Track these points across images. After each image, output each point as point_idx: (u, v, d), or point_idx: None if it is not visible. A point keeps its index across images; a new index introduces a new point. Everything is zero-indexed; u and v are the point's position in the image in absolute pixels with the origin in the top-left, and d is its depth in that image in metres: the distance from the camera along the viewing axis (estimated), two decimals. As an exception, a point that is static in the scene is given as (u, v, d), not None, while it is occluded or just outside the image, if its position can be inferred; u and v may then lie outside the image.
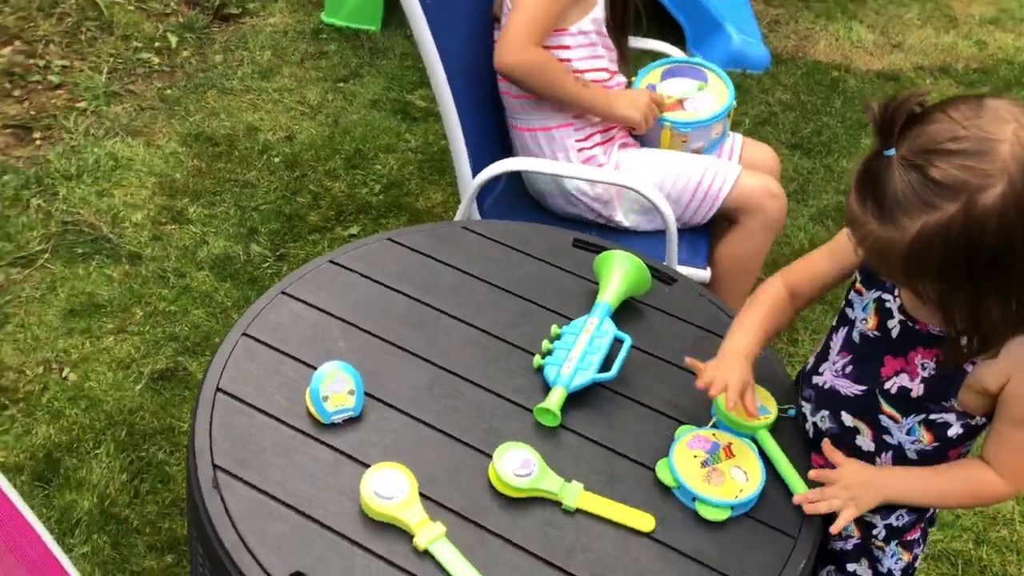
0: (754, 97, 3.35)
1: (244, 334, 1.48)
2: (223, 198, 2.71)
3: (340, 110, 3.09)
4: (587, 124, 2.06)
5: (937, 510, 1.48)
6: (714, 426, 1.39)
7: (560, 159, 2.06)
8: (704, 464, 1.34)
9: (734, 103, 2.11)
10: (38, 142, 2.86)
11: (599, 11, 2.03)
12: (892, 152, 1.09)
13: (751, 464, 1.34)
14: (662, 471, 1.35)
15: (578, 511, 1.30)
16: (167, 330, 2.30)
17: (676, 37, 3.54)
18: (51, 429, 2.04)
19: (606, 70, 2.07)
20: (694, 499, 1.30)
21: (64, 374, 2.17)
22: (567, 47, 1.99)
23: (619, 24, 2.07)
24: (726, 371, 1.37)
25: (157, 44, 3.31)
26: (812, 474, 1.35)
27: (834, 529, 1.30)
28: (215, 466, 1.28)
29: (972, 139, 1.06)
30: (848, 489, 1.31)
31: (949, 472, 1.31)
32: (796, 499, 1.32)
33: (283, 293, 1.56)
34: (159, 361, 2.22)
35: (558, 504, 1.30)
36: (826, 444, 1.38)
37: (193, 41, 3.36)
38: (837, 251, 1.41)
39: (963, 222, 1.05)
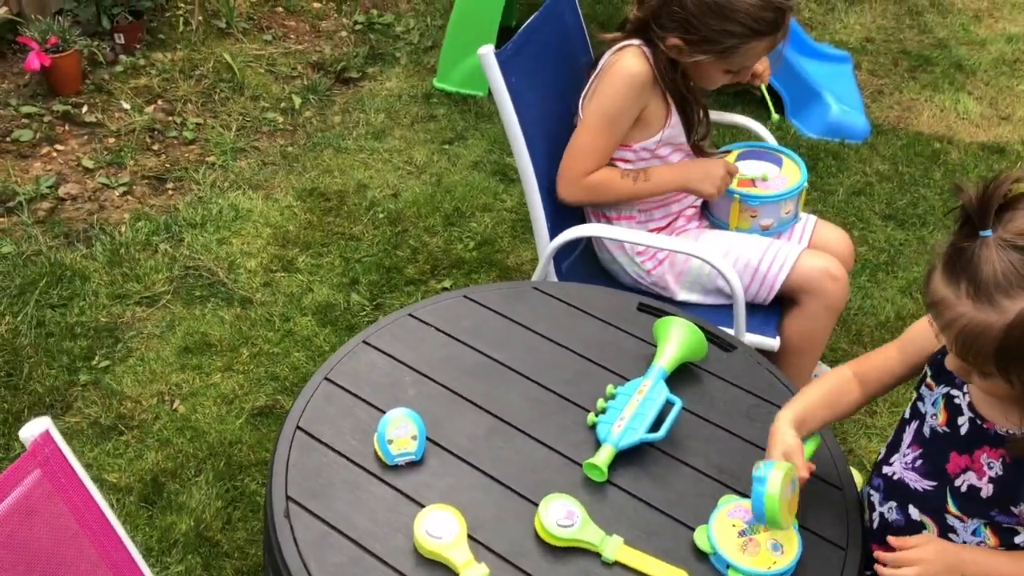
0: (851, 167, 3.36)
1: (326, 378, 1.63)
2: (330, 249, 2.91)
3: (444, 170, 3.28)
4: (650, 220, 2.15)
5: None
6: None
7: (619, 250, 2.16)
8: (742, 534, 1.39)
9: (806, 184, 2.16)
10: (170, 192, 3.14)
11: (669, 132, 2.07)
12: (989, 233, 1.10)
13: (788, 538, 1.38)
14: (700, 537, 1.40)
15: (616, 563, 1.37)
16: (269, 370, 2.49)
17: (777, 106, 3.60)
18: (159, 456, 2.24)
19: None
20: (728, 566, 1.36)
21: (175, 406, 2.39)
22: (628, 160, 2.09)
23: (688, 136, 2.12)
24: (771, 443, 1.42)
25: (283, 105, 3.60)
26: (894, 541, 1.32)
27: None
28: (288, 497, 1.42)
29: None
30: (925, 563, 1.29)
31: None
32: (879, 555, 1.32)
33: (364, 342, 1.71)
34: (259, 398, 2.41)
35: (598, 555, 1.38)
36: (894, 540, 1.35)
37: (315, 103, 3.63)
38: (907, 345, 1.44)
39: None
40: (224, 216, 3.02)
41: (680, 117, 2.07)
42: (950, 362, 1.21)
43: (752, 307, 2.12)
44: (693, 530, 1.42)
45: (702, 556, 1.38)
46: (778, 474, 1.31)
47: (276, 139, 3.44)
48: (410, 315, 1.77)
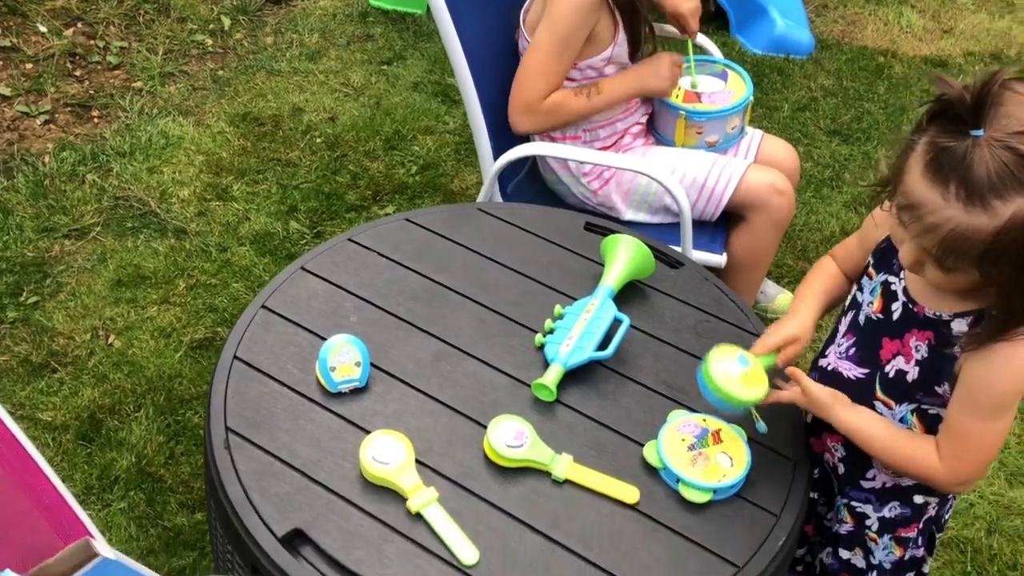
0: (796, 83, 3.34)
1: (263, 306, 1.57)
2: (266, 176, 2.81)
3: (383, 92, 3.18)
4: (595, 139, 2.10)
5: (946, 514, 1.49)
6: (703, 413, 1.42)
7: (564, 170, 2.11)
8: (691, 448, 1.38)
9: (751, 98, 2.13)
10: (96, 120, 3.00)
11: (617, 50, 2.01)
12: (981, 133, 1.06)
13: (738, 450, 1.38)
14: (649, 452, 1.40)
15: (566, 482, 1.36)
16: (207, 302, 2.42)
17: (721, 21, 3.55)
18: (96, 392, 2.17)
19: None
20: (678, 480, 1.35)
21: (110, 341, 2.31)
22: (573, 80, 2.03)
23: (633, 55, 2.07)
24: (778, 325, 1.42)
25: (212, 26, 3.43)
26: (789, 370, 1.35)
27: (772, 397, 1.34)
28: (228, 429, 1.38)
29: None
30: (809, 395, 1.33)
31: (901, 436, 1.31)
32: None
33: (302, 269, 1.65)
34: (198, 331, 2.34)
35: (548, 475, 1.36)
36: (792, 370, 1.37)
37: (246, 23, 3.47)
38: (866, 238, 1.44)
39: None
40: (154, 144, 2.89)
41: (627, 34, 2.01)
42: (907, 256, 1.19)
43: (699, 224, 2.10)
44: (643, 446, 1.41)
45: (652, 471, 1.38)
46: (714, 354, 1.33)
47: (206, 62, 3.29)
48: (350, 240, 1.71)
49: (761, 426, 1.40)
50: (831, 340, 1.44)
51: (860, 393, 1.36)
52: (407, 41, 3.40)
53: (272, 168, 2.84)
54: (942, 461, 1.28)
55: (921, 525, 1.44)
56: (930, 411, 1.32)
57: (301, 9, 3.55)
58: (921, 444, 1.30)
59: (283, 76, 3.22)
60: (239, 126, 2.99)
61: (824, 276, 1.50)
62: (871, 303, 1.35)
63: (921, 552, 1.48)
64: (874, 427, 1.33)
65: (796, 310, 1.45)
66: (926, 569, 1.52)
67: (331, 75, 3.24)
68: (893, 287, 1.32)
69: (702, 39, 2.38)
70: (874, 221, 1.40)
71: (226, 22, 3.45)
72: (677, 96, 2.12)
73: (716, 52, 2.37)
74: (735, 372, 1.33)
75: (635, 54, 2.06)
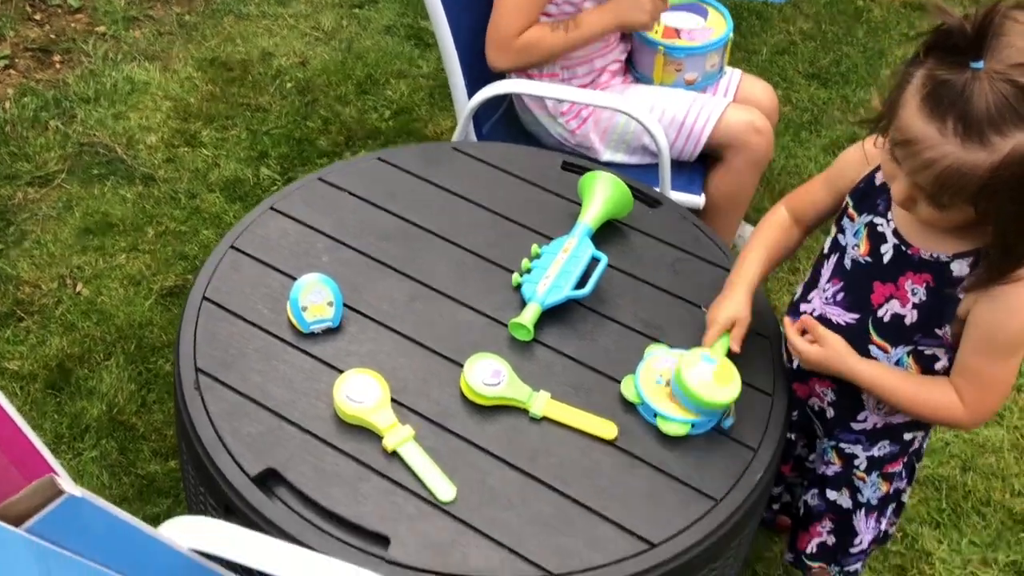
0: (774, 26, 3.29)
1: (232, 247, 1.53)
2: (235, 122, 2.75)
3: (354, 35, 3.10)
4: (573, 77, 2.05)
5: (925, 445, 1.49)
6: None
7: (541, 110, 2.07)
8: (668, 383, 1.37)
9: (731, 35, 2.09)
10: (58, 65, 2.91)
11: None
12: (981, 65, 1.02)
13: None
14: (626, 387, 1.38)
15: (544, 419, 1.34)
16: (177, 249, 2.37)
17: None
18: (64, 341, 2.13)
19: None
20: (655, 415, 1.34)
21: (78, 289, 2.26)
22: (549, 15, 1.96)
23: None
24: (717, 309, 1.40)
25: (177, -31, 3.33)
26: (803, 319, 1.34)
27: (795, 352, 1.33)
28: (197, 369, 1.35)
29: None
30: (828, 347, 1.31)
31: (922, 385, 1.30)
32: (788, 322, 1.36)
33: (272, 208, 1.61)
34: (169, 278, 2.29)
35: (525, 412, 1.35)
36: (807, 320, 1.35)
37: (212, -34, 3.36)
38: (833, 178, 1.41)
39: None
40: (119, 90, 2.81)
41: None
42: (900, 193, 1.16)
43: (677, 165, 2.07)
44: (620, 383, 1.39)
45: (630, 407, 1.37)
46: (683, 364, 1.32)
47: (172, 6, 3.19)
48: (320, 179, 1.67)
49: (728, 421, 1.36)
50: (812, 285, 1.41)
51: (853, 338, 1.33)
52: (379, -16, 3.31)
53: (241, 114, 2.78)
54: (965, 405, 1.27)
55: (906, 459, 1.44)
56: (926, 352, 1.30)
57: (269, -49, 3.45)
58: (943, 391, 1.28)
59: (252, 20, 3.14)
60: (207, 71, 2.91)
61: (770, 237, 1.46)
62: (856, 246, 1.32)
63: (904, 484, 1.49)
64: (894, 378, 1.30)
65: (732, 286, 1.42)
66: (905, 498, 1.53)
67: (301, 19, 3.16)
68: (880, 228, 1.29)
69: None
70: (847, 161, 1.38)
71: (192, -36, 3.34)
72: (656, 32, 2.08)
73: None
74: (707, 375, 1.31)
75: None
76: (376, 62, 2.98)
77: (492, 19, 1.94)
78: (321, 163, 2.65)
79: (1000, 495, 2.02)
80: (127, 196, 2.49)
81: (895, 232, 1.27)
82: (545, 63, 2.01)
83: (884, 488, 1.46)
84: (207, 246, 2.37)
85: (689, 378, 1.30)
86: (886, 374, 1.31)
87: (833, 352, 1.31)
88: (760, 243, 1.46)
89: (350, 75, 2.93)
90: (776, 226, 1.47)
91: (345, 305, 1.45)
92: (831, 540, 1.51)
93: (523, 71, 2.04)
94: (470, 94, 2.01)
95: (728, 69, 2.18)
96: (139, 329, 2.17)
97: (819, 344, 1.32)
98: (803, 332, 1.35)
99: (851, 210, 1.34)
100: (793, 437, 1.52)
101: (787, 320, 1.39)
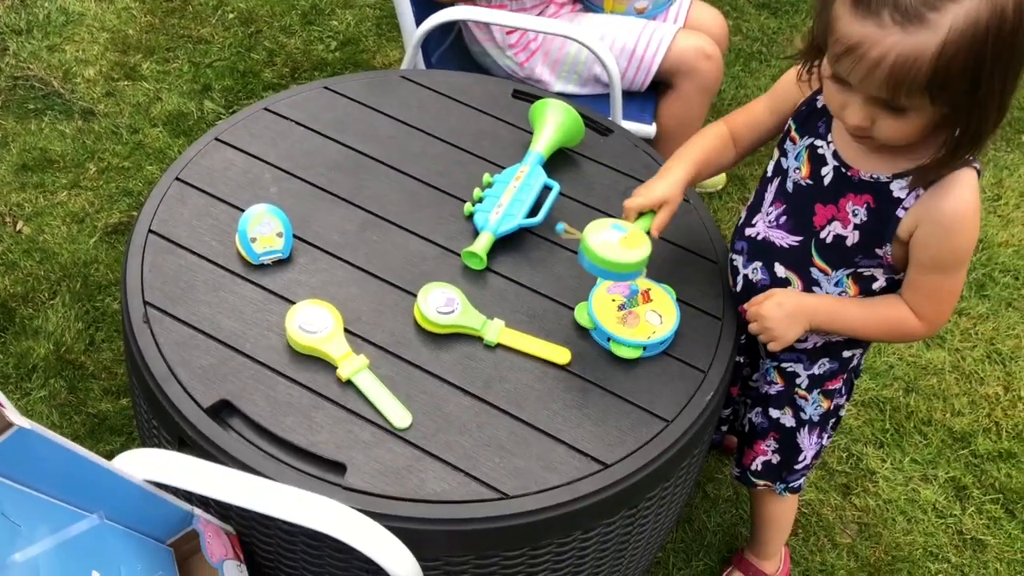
0: (725, -46, 3.26)
1: (177, 178, 1.50)
2: (176, 54, 2.67)
3: (298, -36, 3.01)
4: (521, 8, 2.01)
5: (862, 361, 1.53)
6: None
7: (490, 41, 2.03)
8: (621, 308, 1.38)
9: None
10: (-14, -4, 2.79)
11: None
12: None
13: (666, 308, 1.39)
14: (580, 313, 1.39)
15: (499, 346, 1.35)
16: (121, 185, 2.31)
17: None
18: (6, 280, 2.08)
19: None
20: (608, 339, 1.35)
21: (18, 227, 2.20)
22: None
23: None
24: (645, 188, 1.39)
25: None
26: (748, 305, 1.38)
27: (772, 347, 1.36)
28: (146, 303, 1.33)
29: None
30: (763, 319, 1.33)
31: (874, 308, 1.33)
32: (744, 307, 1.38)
33: (217, 139, 1.57)
34: (113, 215, 2.24)
35: (479, 340, 1.35)
36: (744, 306, 1.39)
37: None
38: (776, 99, 1.41)
39: (989, 6, 1.03)
40: (53, 21, 2.71)
41: None
42: (856, 116, 1.16)
43: (628, 95, 2.06)
44: (574, 310, 1.40)
45: (583, 333, 1.38)
46: (588, 229, 1.30)
47: (105, -67, 3.06)
48: (266, 109, 1.64)
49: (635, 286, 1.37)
50: (756, 208, 1.42)
51: (795, 260, 1.35)
52: (322, -90, 3.21)
53: (183, 46, 2.69)
54: (921, 319, 1.30)
55: (845, 375, 1.48)
56: (865, 273, 1.32)
57: None
58: (896, 309, 1.31)
59: (190, -52, 3.02)
60: (145, 1, 2.81)
61: (707, 142, 1.45)
62: (798, 168, 1.33)
63: (843, 400, 1.53)
64: (846, 311, 1.33)
65: (668, 170, 1.41)
66: (843, 413, 1.57)
67: (242, -54, 3.05)
68: (820, 151, 1.30)
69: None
70: (789, 83, 1.37)
71: None
72: (607, -39, 2.05)
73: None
74: (613, 239, 1.29)
75: None
76: (321, -9, 2.91)
77: None
78: (267, 96, 2.56)
79: (941, 415, 2.09)
80: (66, 131, 2.42)
81: (835, 154, 1.28)
82: None
83: (825, 405, 1.50)
84: (151, 182, 2.32)
85: (591, 241, 1.27)
86: (838, 309, 1.33)
87: (793, 315, 1.33)
88: (697, 145, 1.45)
89: (294, 5, 2.85)
90: (714, 135, 1.46)
91: (295, 236, 1.43)
92: (775, 459, 1.56)
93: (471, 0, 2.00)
94: (418, 22, 1.97)
95: (678, -6, 2.16)
96: (84, 267, 2.13)
97: (768, 301, 1.33)
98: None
99: (793, 133, 1.35)
100: (741, 359, 1.55)
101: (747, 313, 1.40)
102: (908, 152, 1.21)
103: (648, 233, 1.35)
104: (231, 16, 2.80)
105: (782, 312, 1.34)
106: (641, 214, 1.38)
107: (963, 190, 1.20)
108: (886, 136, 1.17)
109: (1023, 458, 2.02)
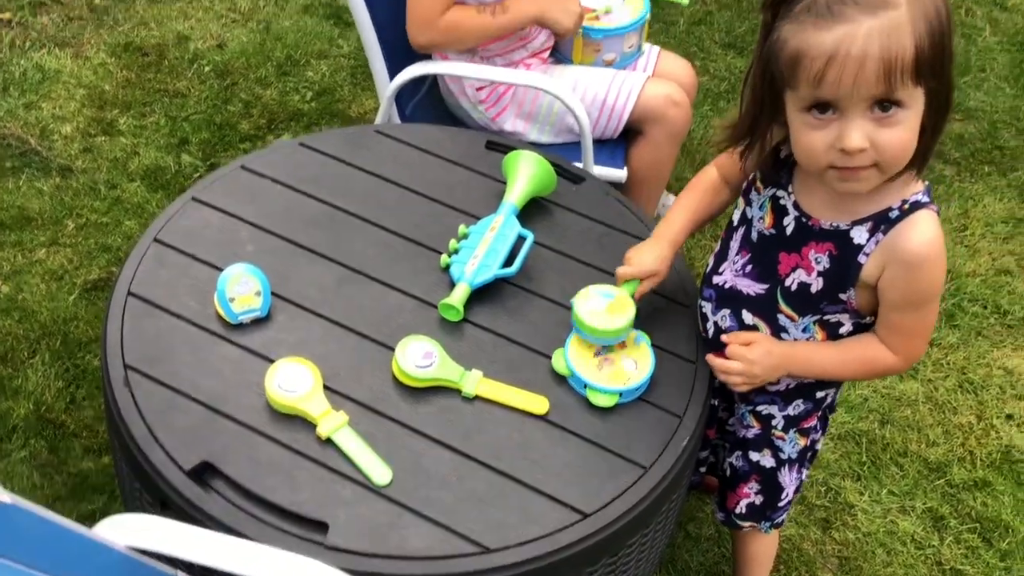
0: (691, -4, 3.33)
1: (155, 239, 1.52)
2: (153, 109, 2.69)
3: (272, 16, 3.06)
4: (488, 63, 2.05)
5: (836, 398, 1.56)
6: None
7: (462, 95, 2.07)
8: (597, 354, 1.41)
9: (648, 16, 2.12)
10: (-38, 55, 2.81)
11: None
12: None
13: (642, 354, 1.42)
14: (557, 361, 1.42)
15: (477, 398, 1.37)
16: (100, 241, 2.32)
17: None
18: (-15, 340, 2.08)
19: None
20: (585, 386, 1.38)
21: (-3, 287, 2.21)
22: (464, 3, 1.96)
23: None
24: (637, 253, 1.45)
25: (83, -49, 3.22)
26: (727, 337, 1.39)
27: (741, 389, 1.39)
28: (126, 366, 1.34)
29: None
30: (750, 363, 1.36)
31: (849, 349, 1.36)
32: (710, 359, 1.41)
33: (194, 199, 1.59)
34: (92, 271, 2.25)
35: (458, 392, 1.37)
36: (728, 336, 1.41)
37: (120, -53, 3.27)
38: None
39: None
40: (29, 78, 2.73)
41: None
42: (858, 137, 1.13)
43: (599, 141, 2.10)
44: (550, 358, 1.43)
45: (561, 380, 1.40)
46: (578, 298, 1.40)
47: (80, -10, 3.10)
48: (243, 167, 1.66)
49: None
50: (723, 257, 1.44)
51: (763, 307, 1.38)
52: (295, -38, 3.26)
53: (159, 100, 2.72)
54: (896, 355, 1.33)
55: (820, 413, 1.51)
56: (831, 320, 1.35)
57: (179, -70, 3.36)
58: (871, 348, 1.34)
59: (165, 3, 3.06)
60: (121, 57, 2.84)
61: (695, 197, 1.50)
62: (762, 218, 1.36)
63: (819, 435, 1.56)
64: (821, 355, 1.36)
65: (657, 238, 1.46)
66: (819, 447, 1.60)
67: (216, 0, 3.09)
68: (782, 201, 1.33)
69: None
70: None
71: (99, -54, 3.24)
72: (576, 14, 2.09)
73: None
74: (600, 307, 1.39)
75: None
76: (296, 43, 2.95)
77: (408, 4, 1.92)
78: (244, 147, 2.61)
79: (916, 446, 2.12)
80: (44, 189, 2.43)
81: (795, 205, 1.31)
82: (468, 45, 2.00)
83: (802, 442, 1.52)
84: (130, 237, 2.34)
85: (580, 309, 1.38)
86: (813, 354, 1.36)
87: (772, 362, 1.36)
88: (688, 202, 1.50)
89: (269, 56, 2.89)
90: (705, 187, 1.50)
91: (273, 294, 1.45)
92: (759, 500, 1.58)
93: (443, 53, 2.04)
94: (392, 73, 2.01)
95: (647, 46, 2.21)
96: (64, 324, 2.13)
97: (751, 347, 1.36)
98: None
99: (758, 183, 1.38)
100: (716, 402, 1.57)
101: (709, 357, 1.42)
102: (867, 199, 1.25)
103: (632, 296, 1.42)
104: (207, 69, 2.83)
105: (771, 361, 1.36)
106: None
107: (925, 227, 1.23)
108: (891, 150, 1.14)
109: (998, 487, 2.06)
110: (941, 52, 1.10)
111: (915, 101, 1.13)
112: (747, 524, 1.62)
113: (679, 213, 1.49)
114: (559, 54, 2.16)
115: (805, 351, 1.37)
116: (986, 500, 2.03)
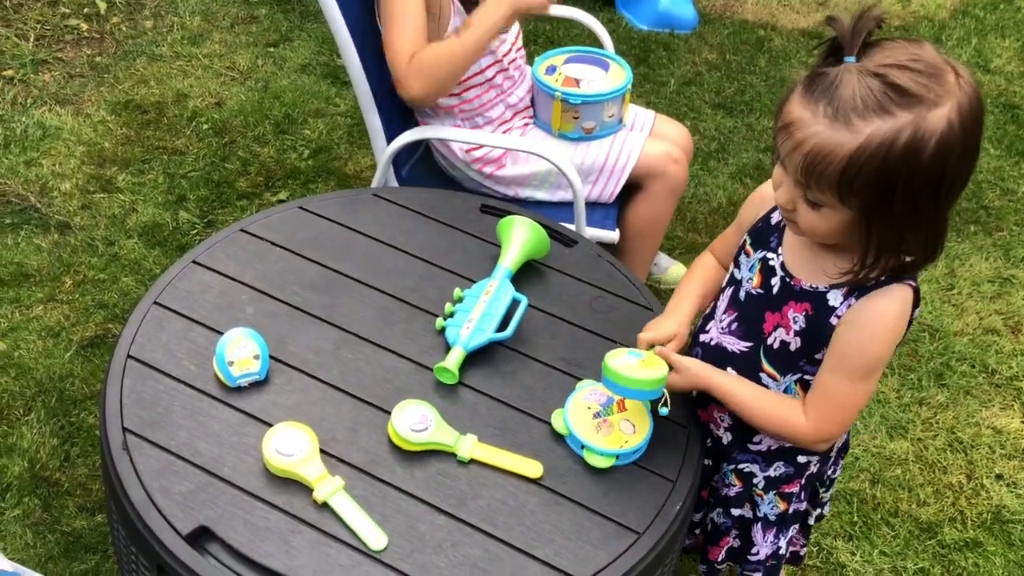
0: (681, 57, 3.41)
1: (155, 302, 1.54)
2: (152, 166, 2.73)
3: (270, 75, 3.12)
4: (474, 127, 2.09)
5: (831, 471, 1.57)
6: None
7: (454, 156, 2.12)
8: (596, 416, 1.43)
9: (629, 87, 2.14)
10: (-36, 112, 2.85)
11: (456, 21, 1.96)
12: (853, 59, 1.14)
13: (640, 418, 1.44)
14: (556, 420, 1.44)
15: (472, 462, 1.38)
16: (96, 298, 2.34)
17: (606, -2, 3.59)
18: (-19, 397, 2.09)
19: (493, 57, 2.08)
20: (582, 447, 1.40)
21: (-7, 343, 2.22)
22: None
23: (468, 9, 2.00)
24: (656, 323, 1.49)
25: (86, 10, 3.30)
26: (658, 350, 1.41)
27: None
28: (125, 429, 1.35)
29: (926, 63, 1.13)
30: (676, 385, 1.40)
31: (771, 397, 1.39)
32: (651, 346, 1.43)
33: (194, 262, 1.62)
34: (89, 328, 2.27)
35: (453, 456, 1.39)
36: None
37: (123, 7, 3.34)
38: (741, 224, 1.50)
39: (911, 133, 1.11)
40: (30, 135, 2.77)
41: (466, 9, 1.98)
42: (783, 196, 1.24)
43: (594, 202, 2.14)
44: (545, 422, 1.44)
45: (558, 440, 1.42)
46: (609, 356, 1.38)
47: (82, 48, 3.16)
48: (242, 230, 1.69)
49: (664, 410, 1.40)
50: (711, 316, 1.50)
51: (746, 365, 1.42)
52: (293, 22, 3.34)
53: (158, 157, 2.76)
54: (808, 420, 1.36)
55: (803, 481, 1.52)
56: (810, 380, 1.38)
57: (181, -10, 3.44)
58: (788, 403, 1.38)
59: (165, 61, 3.13)
60: (121, 114, 2.89)
61: (702, 274, 1.57)
62: (751, 279, 1.41)
63: (804, 506, 1.57)
64: (743, 387, 1.40)
65: (674, 309, 1.52)
66: (811, 521, 1.61)
67: (215, 59, 3.16)
68: (771, 263, 1.38)
69: (594, 24, 2.41)
70: (749, 204, 1.48)
71: (101, 5, 3.31)
72: (556, 80, 2.14)
73: (607, 39, 2.40)
74: (632, 362, 1.38)
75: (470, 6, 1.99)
76: (293, 101, 3.00)
77: (386, 51, 1.93)
78: (241, 205, 2.65)
79: (907, 505, 2.13)
80: (42, 245, 2.46)
81: (782, 266, 1.37)
82: (454, 76, 1.97)
83: (782, 507, 1.54)
84: (127, 293, 2.36)
85: (613, 363, 1.36)
86: (737, 383, 1.41)
87: (692, 375, 1.41)
88: (695, 279, 1.57)
89: (267, 115, 2.94)
90: (707, 267, 1.58)
91: (271, 357, 1.47)
92: (736, 543, 1.60)
93: (421, 117, 2.07)
94: (388, 133, 2.05)
95: (644, 111, 2.26)
96: (59, 382, 2.14)
97: (677, 372, 1.41)
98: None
99: (748, 247, 1.43)
100: (708, 462, 1.59)
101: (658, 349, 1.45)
102: (845, 263, 1.28)
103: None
104: (205, 127, 2.88)
105: (691, 382, 1.41)
106: (651, 346, 1.45)
107: (888, 300, 1.27)
108: (804, 224, 1.25)
109: (989, 547, 2.07)
110: (888, 188, 1.14)
111: (835, 205, 1.19)
112: (725, 564, 1.63)
113: (688, 289, 1.55)
114: (539, 120, 2.19)
115: (730, 380, 1.41)
116: (977, 561, 2.04)
